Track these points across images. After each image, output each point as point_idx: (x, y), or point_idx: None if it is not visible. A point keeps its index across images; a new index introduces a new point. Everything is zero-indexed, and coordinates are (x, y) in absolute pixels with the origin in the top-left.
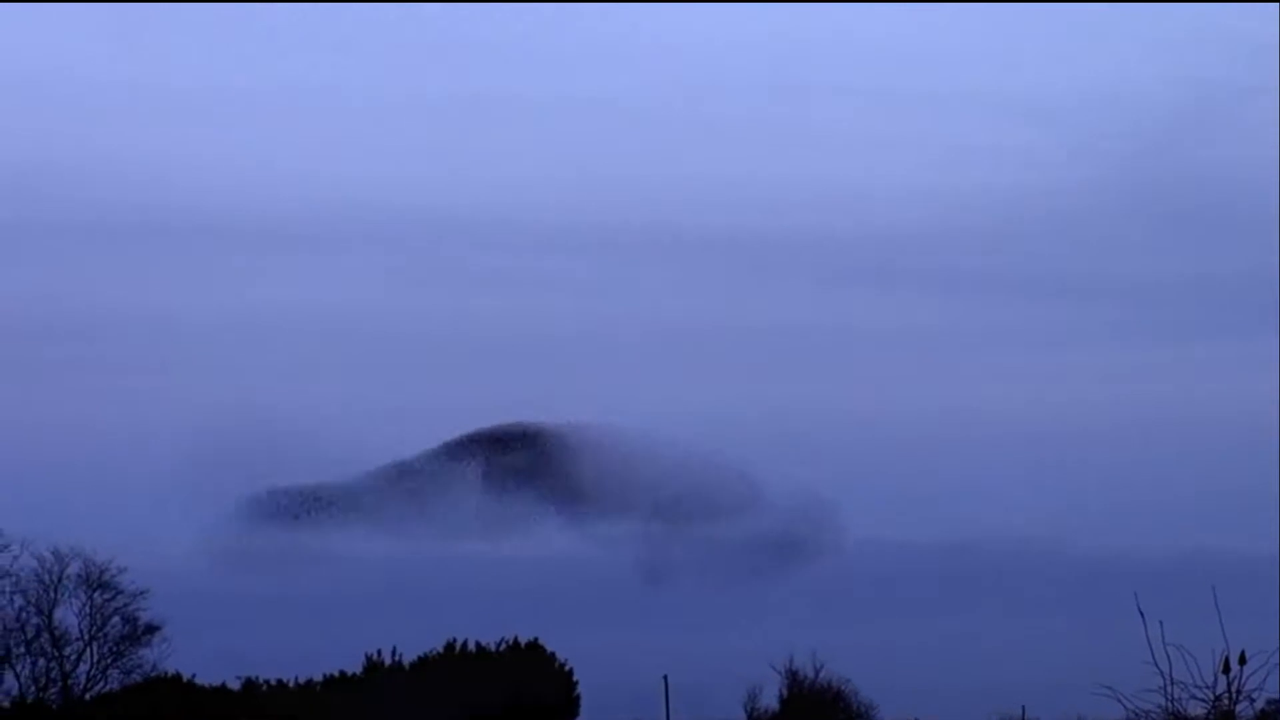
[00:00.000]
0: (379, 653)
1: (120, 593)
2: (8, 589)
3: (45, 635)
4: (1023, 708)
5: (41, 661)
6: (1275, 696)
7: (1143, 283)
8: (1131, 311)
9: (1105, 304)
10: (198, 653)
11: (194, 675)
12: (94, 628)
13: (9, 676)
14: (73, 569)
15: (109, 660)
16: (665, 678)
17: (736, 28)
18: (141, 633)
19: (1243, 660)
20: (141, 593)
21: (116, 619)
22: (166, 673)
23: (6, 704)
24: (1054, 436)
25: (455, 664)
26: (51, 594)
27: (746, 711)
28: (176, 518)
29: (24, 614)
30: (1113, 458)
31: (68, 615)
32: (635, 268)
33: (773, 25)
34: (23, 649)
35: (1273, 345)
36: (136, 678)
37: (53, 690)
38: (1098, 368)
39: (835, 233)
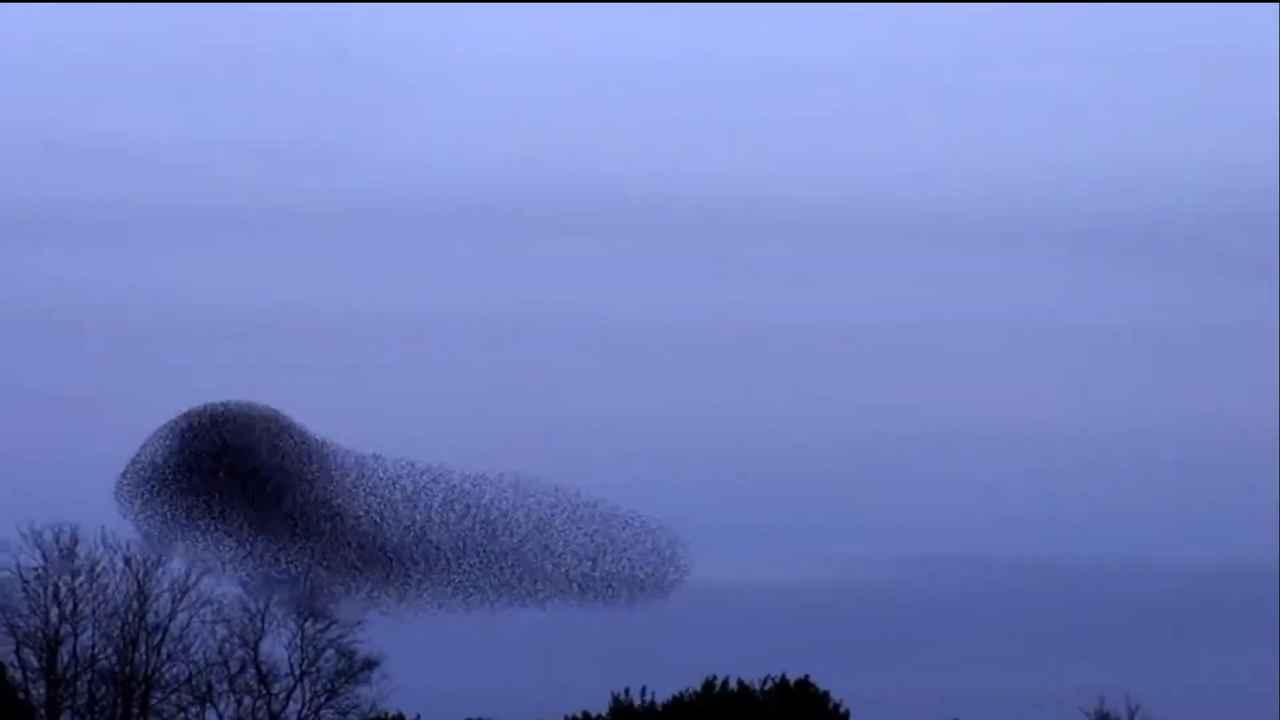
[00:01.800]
0: (626, 692)
1: (334, 623)
2: (209, 618)
3: (251, 670)
4: None
5: (247, 700)
6: None
7: None
8: None
9: None
10: (419, 691)
11: (419, 716)
12: (305, 662)
13: (211, 715)
14: (283, 594)
15: (322, 698)
16: None
17: None
18: (359, 668)
19: None
20: (358, 623)
21: (330, 652)
22: (387, 713)
23: None
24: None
25: (716, 706)
26: (258, 624)
27: None
28: None
29: (227, 646)
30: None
31: (276, 648)
32: None
33: None
34: (226, 685)
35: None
36: (354, 719)
37: None
38: None
39: None
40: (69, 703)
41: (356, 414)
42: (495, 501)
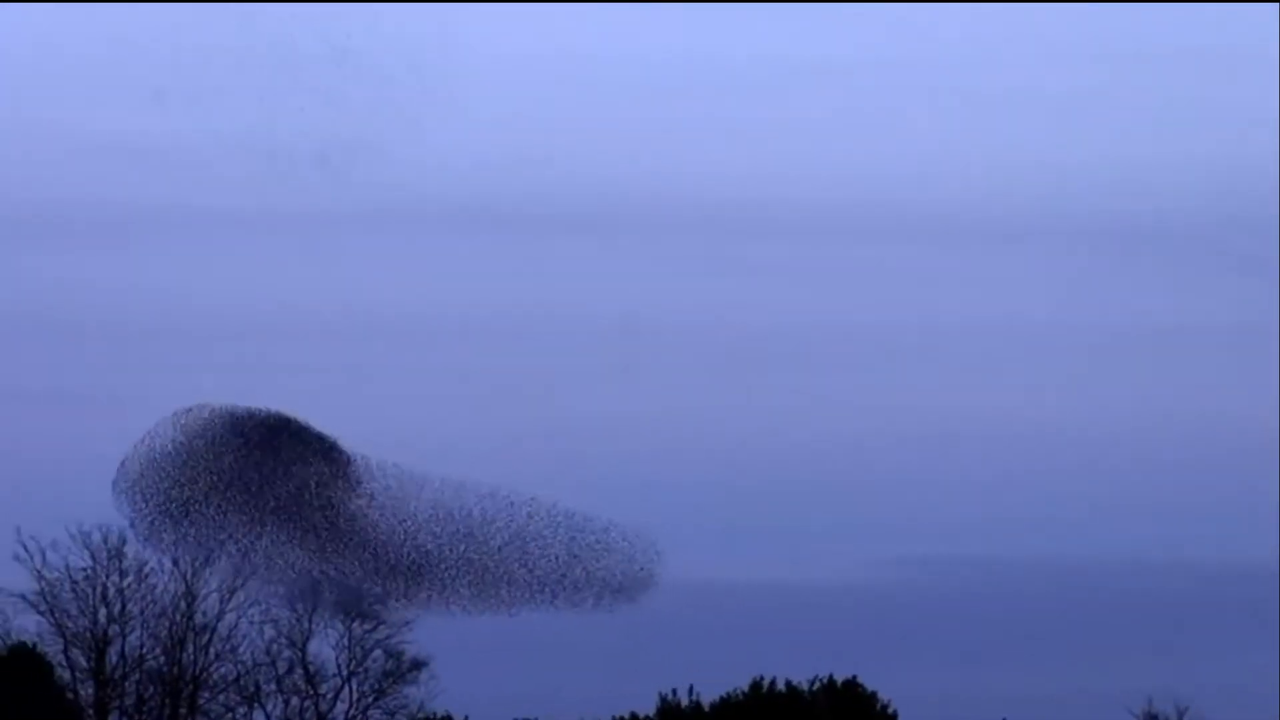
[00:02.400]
0: (674, 692)
1: (382, 623)
2: (257, 619)
3: (299, 670)
4: None
5: (295, 700)
6: None
7: None
8: None
9: None
10: (467, 691)
11: (467, 717)
12: (353, 662)
13: (259, 715)
14: (329, 597)
15: (370, 699)
16: None
17: None
18: (407, 669)
19: None
20: (406, 624)
21: (378, 653)
22: (435, 714)
23: None
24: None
25: (764, 706)
26: (306, 624)
27: None
28: None
29: (275, 646)
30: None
31: (323, 648)
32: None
33: None
34: (274, 685)
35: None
36: (402, 719)
37: None
38: None
39: None
40: (117, 703)
41: (356, 414)
42: (476, 509)
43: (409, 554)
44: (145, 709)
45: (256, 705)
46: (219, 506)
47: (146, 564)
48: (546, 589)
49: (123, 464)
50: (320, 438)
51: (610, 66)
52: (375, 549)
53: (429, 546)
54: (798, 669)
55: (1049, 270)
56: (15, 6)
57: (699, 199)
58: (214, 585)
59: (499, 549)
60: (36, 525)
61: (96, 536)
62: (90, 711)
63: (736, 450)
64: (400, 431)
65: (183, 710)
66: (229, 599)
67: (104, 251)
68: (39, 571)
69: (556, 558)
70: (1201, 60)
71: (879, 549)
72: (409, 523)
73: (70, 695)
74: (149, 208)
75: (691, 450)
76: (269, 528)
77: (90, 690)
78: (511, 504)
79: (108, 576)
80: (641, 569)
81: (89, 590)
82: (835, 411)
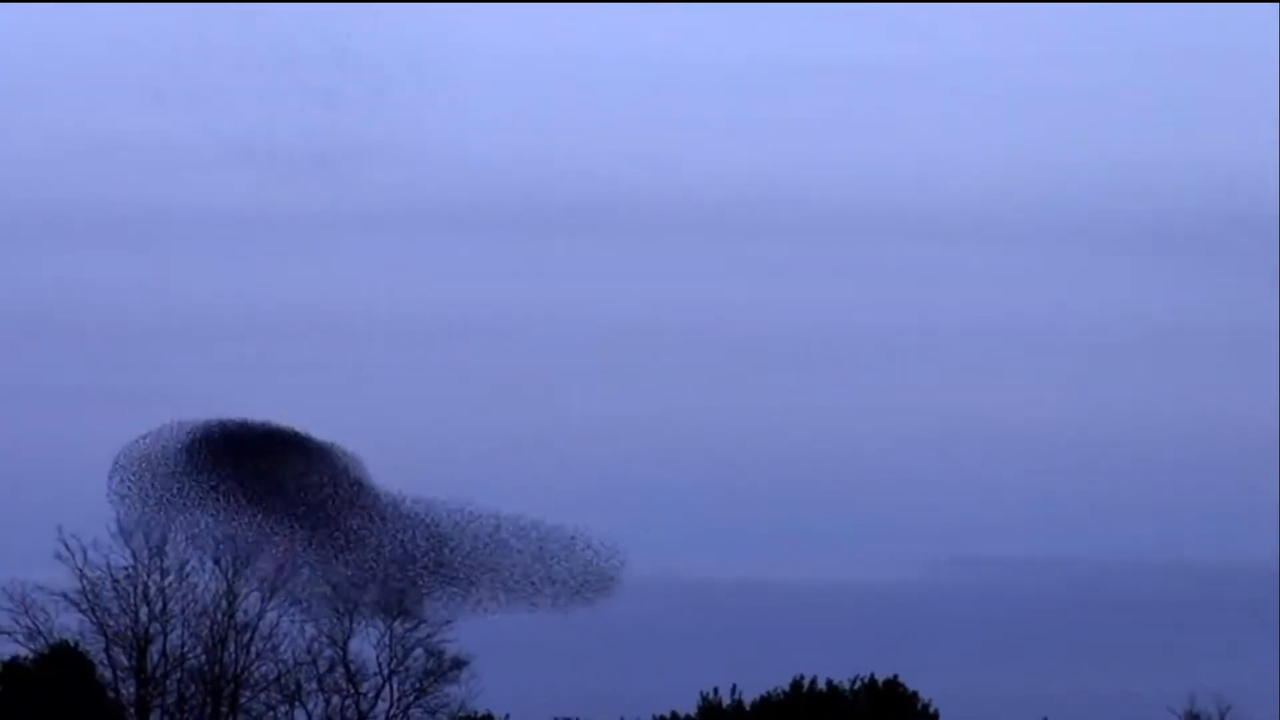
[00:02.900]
0: (715, 691)
1: (423, 622)
2: (298, 618)
3: (340, 669)
4: None
5: (336, 699)
6: None
7: None
8: None
9: None
10: (509, 690)
11: (507, 716)
12: (394, 661)
13: (300, 714)
14: (369, 595)
15: (411, 698)
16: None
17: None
18: (448, 668)
19: None
20: (447, 623)
21: (419, 652)
22: (476, 713)
23: None
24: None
25: (805, 706)
26: (346, 623)
27: None
28: None
29: (316, 645)
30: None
31: (364, 647)
32: None
33: None
34: (315, 684)
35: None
36: (443, 718)
37: None
38: None
39: None
40: (158, 701)
41: (356, 414)
42: (447, 521)
43: (394, 556)
44: (186, 707)
45: (297, 704)
46: (216, 504)
47: (188, 563)
48: (514, 592)
49: (118, 459)
50: (322, 449)
51: (610, 66)
52: (370, 555)
53: (411, 551)
54: (792, 667)
55: (1049, 270)
56: (15, 6)
57: (699, 199)
58: (255, 584)
59: (468, 556)
60: (78, 523)
61: (138, 535)
62: (132, 710)
63: (735, 450)
64: (400, 431)
65: (224, 709)
66: (270, 598)
67: (104, 251)
68: (80, 570)
69: (524, 564)
70: (1201, 60)
71: (879, 549)
72: (392, 530)
73: (112, 694)
74: (149, 208)
75: (691, 450)
76: (268, 528)
77: (131, 689)
78: (480, 517)
79: (149, 575)
80: (606, 573)
81: (130, 589)
82: (835, 412)
